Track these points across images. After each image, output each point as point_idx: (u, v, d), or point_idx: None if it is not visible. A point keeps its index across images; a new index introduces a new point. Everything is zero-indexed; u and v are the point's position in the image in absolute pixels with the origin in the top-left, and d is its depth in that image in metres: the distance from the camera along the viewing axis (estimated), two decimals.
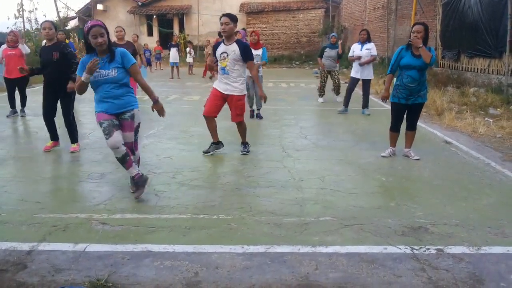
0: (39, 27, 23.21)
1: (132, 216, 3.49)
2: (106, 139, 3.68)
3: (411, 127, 5.28)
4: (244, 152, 5.41)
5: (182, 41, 24.93)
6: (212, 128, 5.36)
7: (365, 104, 8.55)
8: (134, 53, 7.57)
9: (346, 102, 8.59)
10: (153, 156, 5.32)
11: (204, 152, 5.37)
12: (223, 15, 5.06)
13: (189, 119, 7.82)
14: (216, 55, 5.17)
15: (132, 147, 3.89)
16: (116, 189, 4.11)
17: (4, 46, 8.09)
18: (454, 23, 12.30)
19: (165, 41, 27.05)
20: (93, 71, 3.56)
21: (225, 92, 5.17)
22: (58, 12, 25.09)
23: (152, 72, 18.63)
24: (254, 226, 3.30)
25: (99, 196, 3.91)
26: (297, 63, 24.35)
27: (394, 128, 5.33)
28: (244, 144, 5.52)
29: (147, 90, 3.92)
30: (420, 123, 7.42)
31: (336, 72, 9.78)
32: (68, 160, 5.15)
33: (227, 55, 5.06)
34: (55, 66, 5.18)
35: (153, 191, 4.09)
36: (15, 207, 3.64)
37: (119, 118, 3.81)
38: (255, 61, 7.30)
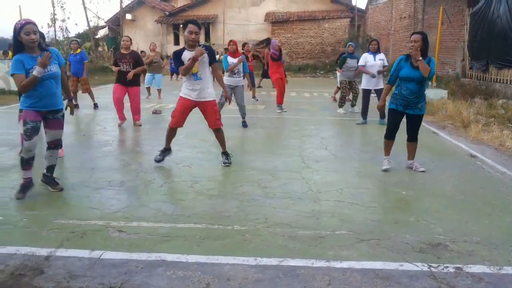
0: (69, 36, 23.92)
1: (148, 224, 3.52)
2: (25, 140, 3.97)
3: (412, 137, 5.16)
4: (227, 164, 5.29)
5: None
6: (172, 137, 5.37)
7: (382, 115, 8.43)
8: (138, 63, 7.77)
9: (364, 114, 8.47)
10: (173, 164, 5.38)
11: (157, 161, 5.30)
12: (191, 23, 5.00)
13: (208, 128, 7.85)
14: (183, 61, 5.01)
15: (57, 144, 4.24)
16: (134, 197, 4.17)
17: None
18: (482, 32, 12.02)
19: None
20: (46, 65, 3.72)
21: (199, 100, 5.10)
22: (88, 22, 25.83)
23: (178, 81, 18.92)
24: (269, 238, 3.28)
25: (117, 204, 3.97)
26: (322, 72, 24.23)
27: (390, 136, 5.21)
28: (226, 154, 5.40)
29: (66, 88, 4.38)
30: (444, 135, 7.30)
31: (356, 82, 9.70)
32: (90, 167, 5.25)
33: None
34: None
35: (171, 199, 4.13)
36: (36, 213, 3.74)
37: (50, 116, 4.05)
38: (235, 69, 7.63)
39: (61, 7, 26.36)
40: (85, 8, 25.66)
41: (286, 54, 25.64)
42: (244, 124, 7.94)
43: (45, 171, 4.35)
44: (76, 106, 10.42)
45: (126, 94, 7.81)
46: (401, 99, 4.97)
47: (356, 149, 6.32)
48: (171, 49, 27.95)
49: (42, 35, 5.61)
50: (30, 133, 3.93)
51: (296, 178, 4.83)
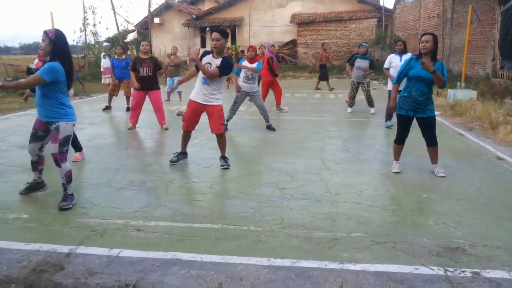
0: (99, 41, 24.53)
1: (166, 224, 3.60)
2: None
3: (431, 142, 5.03)
4: (226, 166, 5.32)
5: (234, 52, 25.44)
6: (187, 140, 5.53)
7: (389, 116, 8.30)
8: (157, 67, 7.92)
9: (388, 115, 8.33)
10: (194, 165, 5.46)
11: (172, 162, 5.45)
12: (214, 31, 5.11)
13: (232, 130, 7.93)
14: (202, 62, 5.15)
15: (56, 158, 3.95)
16: (154, 197, 4.27)
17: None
18: None
19: None
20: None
21: (205, 103, 5.22)
22: (117, 26, 26.48)
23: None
24: (283, 239, 3.30)
25: (137, 203, 4.07)
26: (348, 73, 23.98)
27: (400, 141, 5.14)
28: (224, 157, 5.46)
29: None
30: (471, 137, 7.12)
31: (365, 84, 9.57)
32: (115, 168, 5.39)
33: (211, 66, 5.11)
34: None
35: (189, 200, 4.20)
36: (60, 211, 3.88)
37: (49, 127, 4.01)
38: (250, 74, 7.68)
39: (93, 12, 27.16)
40: (114, 13, 26.33)
41: (312, 55, 25.52)
42: (271, 127, 7.85)
43: None
44: (109, 108, 10.69)
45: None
46: (411, 101, 4.86)
47: (378, 151, 6.23)
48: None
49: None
50: (30, 139, 4.16)
51: (315, 179, 4.82)
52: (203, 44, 29.01)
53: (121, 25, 29.10)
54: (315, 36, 25.98)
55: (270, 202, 4.11)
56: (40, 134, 4.09)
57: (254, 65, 7.62)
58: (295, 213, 3.81)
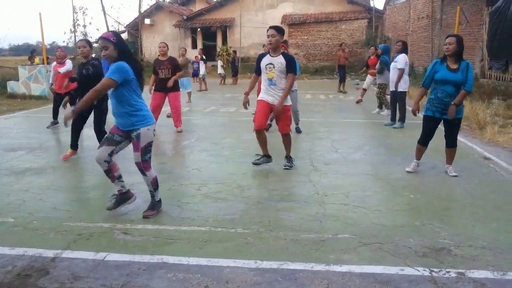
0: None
1: (153, 227, 3.58)
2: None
3: (451, 144, 5.06)
4: (287, 167, 5.33)
5: (224, 54, 25.43)
6: (263, 141, 5.34)
7: (403, 118, 8.36)
8: (177, 68, 7.68)
9: (392, 115, 8.41)
10: (182, 167, 5.45)
11: (254, 164, 5.36)
12: (270, 27, 5.12)
13: (222, 131, 7.94)
14: (261, 66, 5.15)
15: (141, 167, 3.79)
16: (142, 200, 4.23)
17: (55, 62, 8.53)
18: (502, 32, 11.78)
19: (209, 54, 27.74)
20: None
21: (274, 103, 5.15)
22: (107, 27, 26.30)
23: (195, 82, 19.22)
24: (270, 241, 3.30)
25: (125, 206, 4.03)
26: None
27: (423, 142, 5.15)
28: (289, 158, 5.45)
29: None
30: (458, 137, 7.11)
31: (381, 84, 9.64)
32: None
33: (274, 67, 5.07)
34: (87, 81, 5.35)
35: (177, 202, 4.19)
36: (46, 215, 3.85)
37: (130, 135, 3.74)
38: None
39: (83, 12, 26.94)
40: (105, 14, 26.19)
41: (303, 56, 25.59)
42: (298, 130, 7.78)
43: None
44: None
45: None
46: (438, 103, 4.87)
47: (367, 152, 6.26)
48: (189, 53, 28.24)
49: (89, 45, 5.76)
50: (101, 142, 3.82)
51: (304, 181, 4.83)
52: (194, 45, 28.95)
53: (112, 26, 28.87)
54: (306, 37, 26.05)
55: (258, 204, 4.11)
56: (116, 138, 3.74)
57: None
58: (283, 215, 3.82)
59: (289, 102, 5.25)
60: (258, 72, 5.26)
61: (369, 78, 11.44)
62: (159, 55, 7.79)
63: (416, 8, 19.67)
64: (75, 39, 22.99)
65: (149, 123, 3.72)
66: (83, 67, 5.52)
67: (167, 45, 7.82)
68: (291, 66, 5.07)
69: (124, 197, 3.91)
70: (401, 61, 7.96)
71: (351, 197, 4.28)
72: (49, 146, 6.82)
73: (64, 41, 24.48)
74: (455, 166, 5.22)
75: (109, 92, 3.61)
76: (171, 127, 8.02)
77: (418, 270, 2.84)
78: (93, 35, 34.28)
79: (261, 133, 5.28)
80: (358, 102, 11.80)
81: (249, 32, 26.78)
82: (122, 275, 2.83)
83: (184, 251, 3.14)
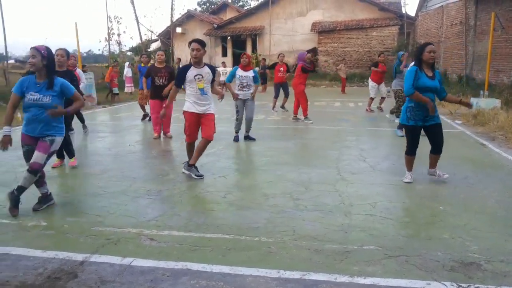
0: (122, 50, 25.04)
1: (179, 233, 3.64)
2: (27, 163, 4.10)
3: (438, 150, 5.02)
4: (197, 176, 5.34)
5: (254, 61, 25.62)
6: (192, 151, 5.50)
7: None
8: (173, 77, 7.83)
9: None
10: (209, 174, 5.50)
11: (184, 171, 5.50)
12: (194, 41, 5.23)
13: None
14: (187, 78, 5.21)
15: (36, 167, 4.00)
16: (168, 206, 4.32)
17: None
18: None
19: (239, 62, 28.00)
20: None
21: (203, 113, 5.31)
22: (140, 36, 27.01)
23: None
24: (294, 251, 3.29)
25: (151, 212, 4.13)
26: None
27: (411, 152, 5.14)
28: (193, 166, 5.43)
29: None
30: (493, 147, 6.95)
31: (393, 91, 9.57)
32: (132, 177, 5.49)
33: (203, 77, 5.22)
34: None
35: (203, 209, 4.24)
36: (77, 219, 3.97)
37: (39, 139, 4.06)
38: (245, 82, 7.61)
39: (117, 22, 27.80)
40: (138, 23, 26.89)
41: (333, 64, 25.43)
42: (248, 138, 7.83)
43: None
44: (147, 116, 10.57)
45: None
46: (419, 110, 4.88)
47: (395, 161, 6.14)
48: (219, 60, 28.63)
49: (67, 55, 5.85)
50: (27, 157, 4.16)
51: (330, 190, 4.80)
52: (224, 53, 29.32)
53: (145, 34, 29.68)
54: (335, 44, 25.93)
55: (283, 213, 4.11)
56: (33, 149, 4.09)
57: (245, 75, 7.66)
58: (308, 225, 3.80)
59: (214, 110, 5.43)
60: (179, 84, 5.34)
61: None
62: (156, 62, 8.10)
63: (449, 15, 19.23)
64: (109, 48, 23.70)
65: (61, 135, 4.24)
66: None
67: (165, 53, 8.07)
68: (213, 72, 5.40)
69: (48, 199, 4.33)
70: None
71: (378, 208, 4.21)
72: (81, 151, 7.03)
73: (99, 49, 25.30)
74: (488, 177, 5.06)
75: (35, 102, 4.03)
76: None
77: (445, 285, 2.77)
78: (127, 44, 35.11)
79: (192, 144, 5.52)
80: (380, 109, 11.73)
81: (279, 39, 26.89)
82: (147, 280, 2.88)
83: (207, 259, 3.17)
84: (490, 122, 8.90)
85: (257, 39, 27.93)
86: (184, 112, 5.39)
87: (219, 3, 40.64)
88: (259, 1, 39.65)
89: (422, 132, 5.07)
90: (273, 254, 3.25)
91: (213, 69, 5.46)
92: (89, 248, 3.36)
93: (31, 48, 4.02)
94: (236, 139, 7.74)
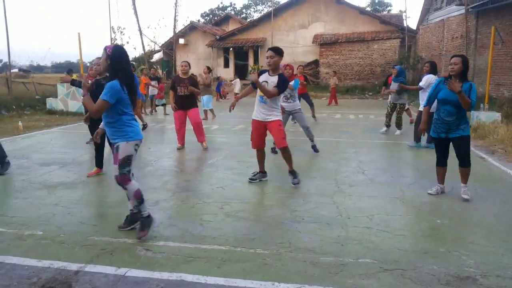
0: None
1: (174, 244, 3.63)
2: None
3: (464, 163, 4.94)
4: (295, 183, 5.41)
5: (256, 72, 25.73)
6: (262, 159, 5.62)
7: (417, 138, 8.22)
8: (195, 86, 7.92)
9: (417, 137, 8.25)
10: (207, 185, 5.51)
11: (251, 179, 5.60)
12: (269, 49, 5.34)
13: (248, 150, 7.90)
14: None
15: (117, 180, 3.77)
16: (165, 217, 4.32)
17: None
18: None
19: (241, 73, 28.17)
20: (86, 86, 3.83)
21: (265, 120, 5.35)
22: (143, 47, 27.20)
23: (218, 101, 19.77)
24: (289, 263, 3.27)
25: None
26: (370, 94, 23.86)
27: (439, 162, 5.10)
28: (293, 172, 5.50)
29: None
30: (492, 161, 6.94)
31: (399, 105, 9.56)
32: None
33: (267, 84, 5.24)
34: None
35: (200, 220, 4.23)
36: (73, 229, 3.97)
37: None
38: (288, 93, 7.41)
39: (121, 32, 28.05)
40: (141, 34, 27.10)
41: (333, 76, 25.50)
42: (315, 148, 7.75)
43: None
44: (146, 126, 10.69)
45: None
46: (441, 123, 4.87)
47: (394, 174, 6.14)
48: (221, 71, 28.79)
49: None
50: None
51: (327, 202, 4.79)
52: (226, 64, 29.49)
53: (148, 45, 29.88)
54: (337, 57, 26.08)
55: (280, 224, 4.10)
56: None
57: (292, 83, 7.53)
58: (304, 237, 3.78)
59: (277, 117, 5.36)
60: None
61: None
62: (179, 73, 8.09)
63: (450, 28, 19.36)
64: None
65: (125, 139, 3.70)
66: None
67: (189, 64, 8.12)
68: (279, 84, 5.21)
69: (136, 217, 3.88)
70: (424, 80, 7.98)
71: (375, 220, 4.20)
72: (81, 161, 7.06)
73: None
74: (486, 191, 5.05)
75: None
76: (198, 145, 8.14)
77: None
78: (130, 54, 35.38)
79: (260, 151, 5.57)
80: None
81: None
82: None
83: (202, 270, 3.16)
84: (490, 135, 8.90)
85: (259, 50, 28.11)
86: (252, 120, 5.54)
87: (222, 15, 41.04)
88: (262, 13, 40.05)
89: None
90: (269, 266, 3.23)
91: (282, 80, 5.25)
92: (84, 258, 3.36)
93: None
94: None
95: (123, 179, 3.74)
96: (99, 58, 5.57)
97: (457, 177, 5.08)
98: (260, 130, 5.46)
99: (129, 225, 3.94)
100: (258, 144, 5.53)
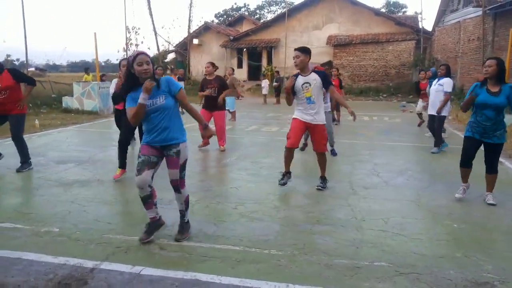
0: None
1: (189, 243, 3.64)
2: (136, 175, 3.56)
3: (490, 169, 4.85)
4: (320, 187, 5.34)
5: (269, 73, 25.78)
6: (291, 159, 5.39)
7: (436, 142, 8.03)
8: (224, 87, 7.85)
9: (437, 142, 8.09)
10: (221, 185, 5.52)
11: (281, 185, 5.35)
12: (295, 49, 5.21)
13: (262, 150, 7.98)
14: (296, 87, 5.17)
15: (177, 184, 3.71)
16: (179, 216, 4.32)
17: (116, 80, 8.50)
18: None
19: (254, 73, 28.21)
20: (150, 90, 3.37)
21: (312, 122, 5.18)
22: (158, 47, 27.41)
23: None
24: (304, 265, 3.26)
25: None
26: (385, 95, 23.68)
27: (464, 164, 4.98)
28: (324, 178, 5.45)
29: (195, 115, 3.75)
30: (510, 165, 6.81)
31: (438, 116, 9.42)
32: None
33: (310, 85, 5.11)
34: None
35: (214, 220, 4.24)
36: (89, 226, 4.01)
37: (165, 153, 3.65)
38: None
39: (136, 32, 28.26)
40: (155, 34, 27.33)
41: (348, 77, 25.39)
42: (333, 153, 7.65)
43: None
44: None
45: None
46: (477, 126, 4.78)
47: (410, 177, 6.08)
48: (235, 72, 28.79)
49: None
50: (139, 167, 3.57)
51: (342, 204, 4.76)
52: (240, 65, 29.52)
53: (162, 45, 30.10)
54: (351, 58, 25.91)
55: (294, 226, 4.08)
56: (153, 160, 3.62)
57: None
58: (318, 239, 3.76)
59: (323, 121, 5.25)
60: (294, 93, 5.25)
61: (421, 101, 11.15)
62: (206, 75, 8.03)
63: (466, 30, 19.10)
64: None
65: (184, 139, 3.68)
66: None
67: (212, 64, 8.01)
68: (326, 80, 5.13)
69: (157, 224, 3.76)
70: (448, 84, 7.70)
71: (390, 224, 4.15)
72: (97, 160, 7.13)
73: (117, 59, 25.79)
74: (503, 194, 4.97)
75: (151, 109, 3.51)
76: (213, 145, 8.16)
77: None
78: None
79: (291, 151, 5.32)
80: (419, 125, 11.52)
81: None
82: None
83: (217, 270, 3.16)
84: (508, 139, 8.73)
85: (272, 51, 28.09)
86: (293, 118, 5.35)
87: (236, 16, 41.14)
88: (276, 14, 40.01)
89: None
90: (283, 267, 3.22)
91: (322, 74, 5.17)
92: (100, 256, 3.39)
93: (142, 54, 3.49)
94: (334, 153, 7.66)
95: (183, 183, 3.74)
96: (125, 59, 5.39)
97: (472, 180, 5.00)
98: (302, 130, 5.28)
99: (150, 235, 3.69)
100: (295, 143, 5.28)
